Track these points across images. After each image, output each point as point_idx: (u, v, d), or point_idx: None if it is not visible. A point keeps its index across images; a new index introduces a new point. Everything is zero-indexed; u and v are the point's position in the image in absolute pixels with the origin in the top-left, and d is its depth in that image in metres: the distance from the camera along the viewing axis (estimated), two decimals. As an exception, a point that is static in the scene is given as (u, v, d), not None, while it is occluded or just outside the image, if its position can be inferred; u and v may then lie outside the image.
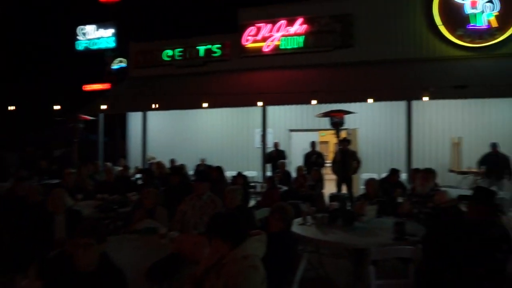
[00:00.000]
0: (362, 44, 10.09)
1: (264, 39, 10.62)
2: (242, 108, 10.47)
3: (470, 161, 9.06)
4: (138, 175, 8.18)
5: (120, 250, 2.98)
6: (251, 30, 10.74)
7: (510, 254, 2.78)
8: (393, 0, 10.01)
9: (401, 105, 9.05)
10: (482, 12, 9.37)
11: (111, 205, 5.22)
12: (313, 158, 8.85)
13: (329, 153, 14.34)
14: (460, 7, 9.53)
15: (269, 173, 9.20)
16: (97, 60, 15.88)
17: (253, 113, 10.76)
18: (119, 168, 8.67)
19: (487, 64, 8.99)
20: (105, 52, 15.16)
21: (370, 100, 7.87)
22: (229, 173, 8.28)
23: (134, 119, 12.15)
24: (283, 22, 10.49)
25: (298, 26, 10.41)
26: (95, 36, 14.51)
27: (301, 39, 10.37)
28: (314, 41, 10.29)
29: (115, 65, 15.54)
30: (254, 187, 7.45)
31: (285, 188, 7.21)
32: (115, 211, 5.11)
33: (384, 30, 10.01)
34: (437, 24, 9.59)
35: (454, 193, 4.29)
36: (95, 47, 14.53)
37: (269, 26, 10.58)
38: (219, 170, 6.87)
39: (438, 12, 9.63)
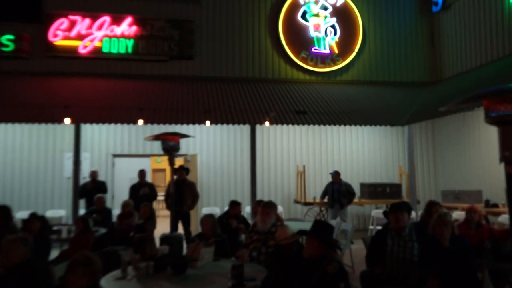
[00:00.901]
0: (204, 57, 10.38)
1: (81, 37, 9.95)
2: (48, 125, 9.50)
3: (315, 190, 10.23)
4: None
5: None
6: (62, 23, 9.91)
7: (347, 291, 3.15)
8: (238, 12, 10.69)
9: (245, 129, 9.62)
10: (326, 36, 10.83)
11: None
12: (141, 191, 8.65)
13: (167, 184, 14.21)
14: (305, 29, 10.79)
15: (82, 212, 8.52)
16: None
17: (63, 132, 10.00)
18: None
19: (330, 90, 10.33)
20: None
21: (207, 123, 8.09)
22: (23, 214, 7.39)
23: None
24: (106, 18, 10.07)
25: (126, 26, 10.14)
26: None
27: (129, 43, 10.11)
28: (146, 47, 10.15)
29: None
30: (58, 231, 6.74)
31: (103, 230, 6.79)
32: None
33: (228, 44, 10.53)
34: (283, 44, 10.63)
35: (298, 226, 4.65)
36: None
37: (88, 21, 10.00)
38: (4, 211, 5.96)
39: (283, 31, 10.68)
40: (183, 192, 8.14)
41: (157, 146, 9.00)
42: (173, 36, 10.32)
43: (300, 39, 10.74)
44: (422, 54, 11.19)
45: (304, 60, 10.69)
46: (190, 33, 10.40)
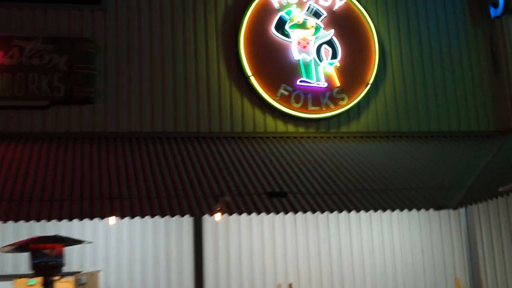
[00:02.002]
0: (112, 100, 10.27)
1: None
2: None
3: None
4: None
5: None
6: None
7: None
8: (169, 22, 10.66)
9: (184, 225, 9.70)
10: (319, 59, 10.61)
11: None
12: None
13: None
14: (284, 48, 10.60)
15: None
16: None
17: None
18: None
19: (329, 149, 9.97)
20: None
21: (113, 219, 7.66)
22: None
23: None
24: None
25: (-26, 52, 9.98)
26: None
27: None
28: (11, 86, 9.86)
29: None
30: None
31: None
32: None
33: (155, 77, 10.45)
34: (247, 75, 10.38)
35: None
36: None
37: None
38: None
39: (247, 53, 10.44)
40: None
41: (24, 261, 8.65)
42: (57, 65, 10.20)
43: (277, 65, 10.70)
44: (480, 87, 11.40)
45: (284, 99, 10.52)
46: (87, 61, 10.24)
